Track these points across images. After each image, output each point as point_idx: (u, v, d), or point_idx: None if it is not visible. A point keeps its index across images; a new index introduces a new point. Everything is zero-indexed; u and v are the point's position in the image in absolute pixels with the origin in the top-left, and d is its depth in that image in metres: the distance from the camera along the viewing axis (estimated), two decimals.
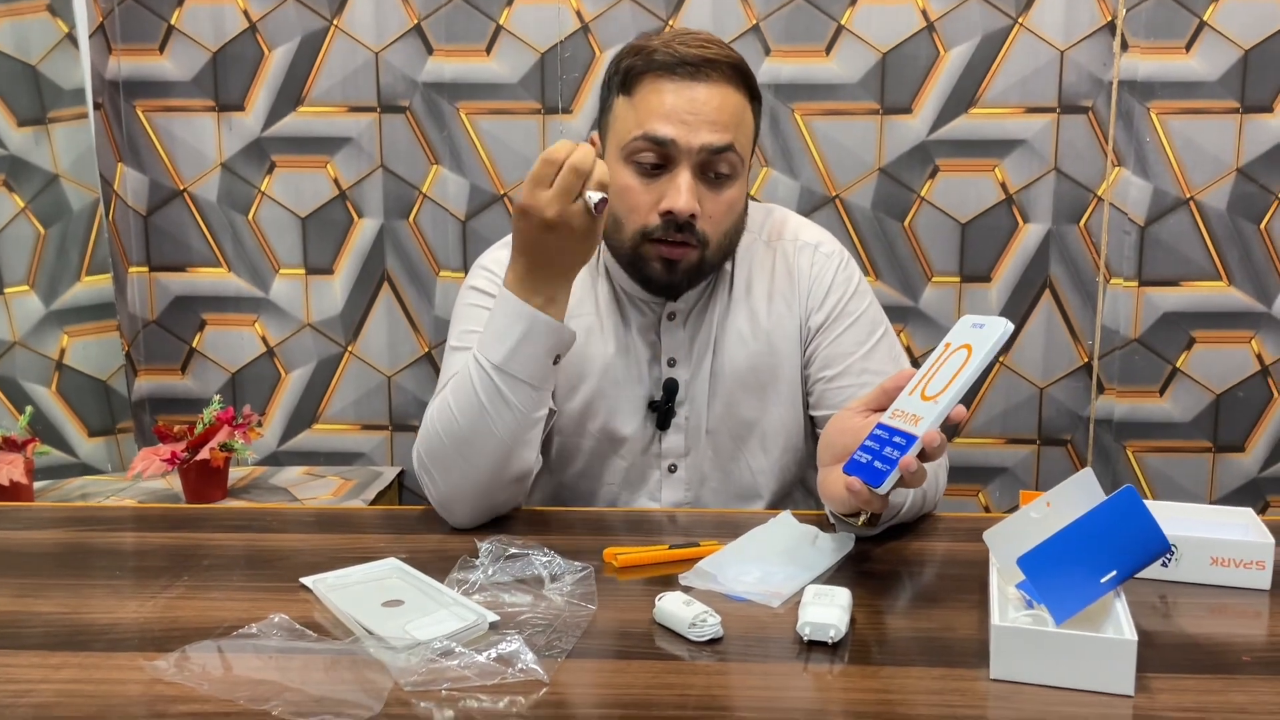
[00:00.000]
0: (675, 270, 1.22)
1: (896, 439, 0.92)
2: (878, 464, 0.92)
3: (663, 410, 1.30)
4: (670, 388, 1.30)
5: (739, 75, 1.21)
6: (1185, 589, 0.99)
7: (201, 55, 2.09)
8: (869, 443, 0.94)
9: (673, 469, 1.32)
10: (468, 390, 1.12)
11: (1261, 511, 1.99)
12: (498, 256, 1.32)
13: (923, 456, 0.91)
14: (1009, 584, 0.89)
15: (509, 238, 1.33)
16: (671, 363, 1.31)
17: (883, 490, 0.90)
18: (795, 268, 1.33)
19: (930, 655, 0.84)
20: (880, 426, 0.95)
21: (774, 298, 1.32)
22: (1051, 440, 2.12)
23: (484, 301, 1.28)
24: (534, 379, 1.12)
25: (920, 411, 0.92)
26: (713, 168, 1.20)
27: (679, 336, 1.31)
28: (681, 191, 1.18)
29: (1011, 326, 0.94)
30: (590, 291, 1.31)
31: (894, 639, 0.88)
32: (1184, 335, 2.06)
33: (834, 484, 1.00)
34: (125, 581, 1.00)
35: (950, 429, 0.93)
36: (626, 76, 1.22)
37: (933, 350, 0.99)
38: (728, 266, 1.32)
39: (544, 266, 1.10)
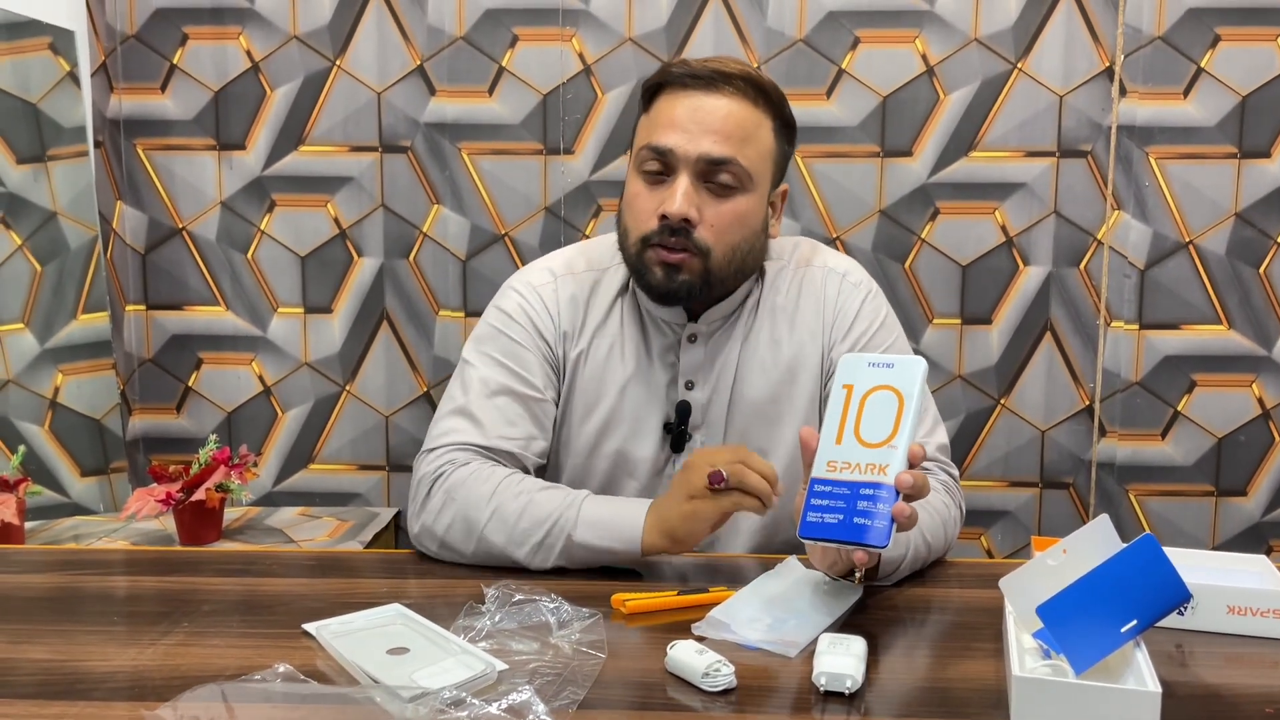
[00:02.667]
0: (675, 277, 1.20)
1: (865, 491, 0.91)
2: (859, 520, 0.90)
3: (676, 433, 1.28)
4: (683, 410, 1.28)
5: (756, 91, 1.21)
6: (1201, 638, 0.97)
7: (203, 95, 2.09)
8: (819, 501, 0.93)
9: None
10: (534, 518, 1.13)
11: (1265, 556, 1.98)
12: (533, 282, 1.32)
13: (918, 494, 0.92)
14: (1025, 632, 0.88)
15: (547, 260, 1.36)
16: (689, 385, 1.29)
17: (889, 547, 0.91)
18: (822, 294, 1.31)
19: (948, 706, 0.82)
20: (821, 482, 0.94)
21: (797, 325, 1.30)
22: (1053, 483, 2.11)
23: (505, 326, 1.29)
24: (579, 565, 1.14)
25: (875, 459, 0.92)
26: (714, 177, 1.19)
27: (698, 358, 1.29)
28: (676, 195, 1.18)
29: (926, 363, 0.95)
30: (617, 309, 1.31)
31: (910, 689, 0.86)
32: (1185, 379, 2.05)
33: (823, 552, 1.02)
34: (122, 627, 0.98)
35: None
36: (646, 94, 1.25)
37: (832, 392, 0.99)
38: (755, 291, 1.31)
39: (674, 523, 1.12)
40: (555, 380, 1.29)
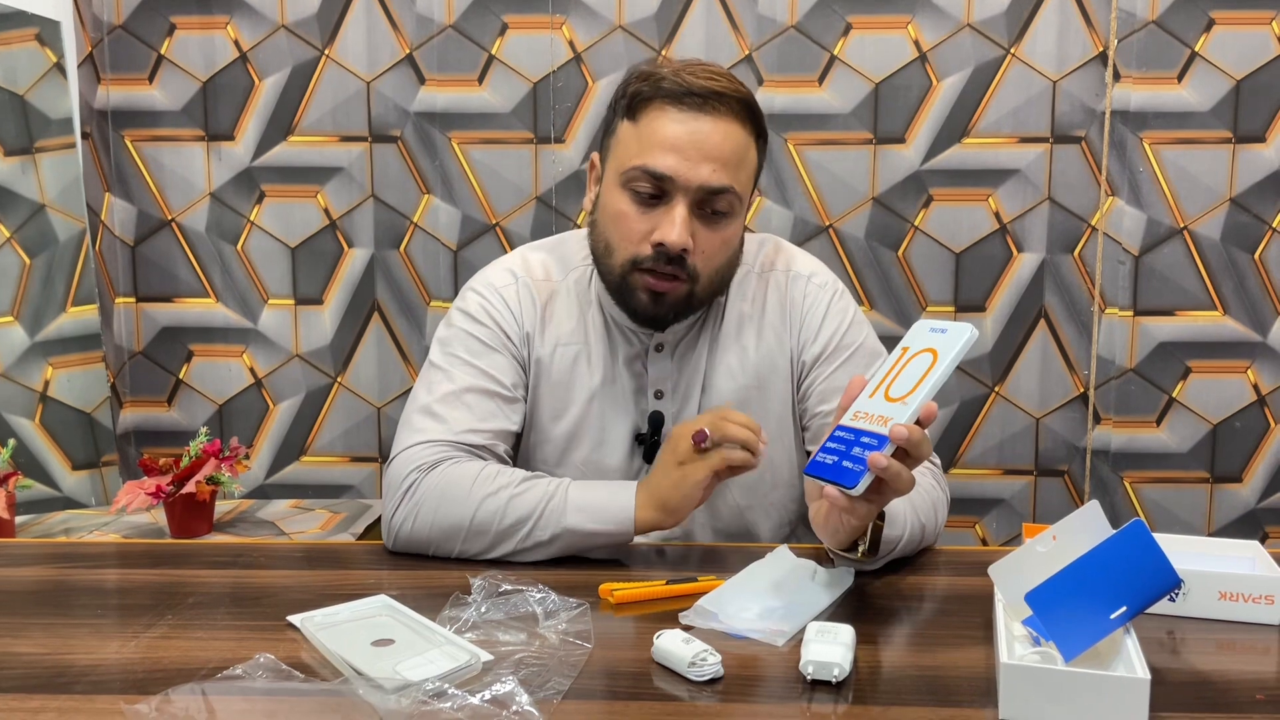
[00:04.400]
0: (662, 303, 1.19)
1: (865, 439, 0.91)
2: (847, 464, 0.90)
3: (648, 444, 1.27)
4: (656, 421, 1.26)
5: (746, 111, 1.18)
6: (1193, 624, 0.97)
7: (191, 85, 2.08)
8: (830, 444, 0.93)
9: None
10: (518, 513, 1.12)
11: (1260, 543, 1.98)
12: (494, 283, 1.30)
13: (905, 458, 0.90)
14: (1015, 620, 0.87)
15: (506, 259, 1.33)
16: (659, 395, 1.27)
17: (857, 491, 0.89)
18: (787, 299, 1.30)
19: (937, 694, 0.81)
20: (841, 428, 0.94)
21: (764, 331, 1.29)
22: (1048, 471, 2.11)
23: (470, 327, 1.26)
24: (565, 553, 1.13)
25: (888, 412, 0.91)
26: (710, 205, 1.17)
27: (666, 368, 1.27)
28: (676, 225, 1.14)
29: (976, 333, 0.94)
30: (580, 318, 1.28)
31: (899, 678, 0.86)
32: (1180, 365, 2.05)
33: (820, 512, 1.01)
34: (108, 620, 0.97)
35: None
36: (633, 101, 1.19)
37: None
38: (720, 298, 1.29)
39: (666, 492, 1.12)
40: (524, 378, 1.27)
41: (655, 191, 1.16)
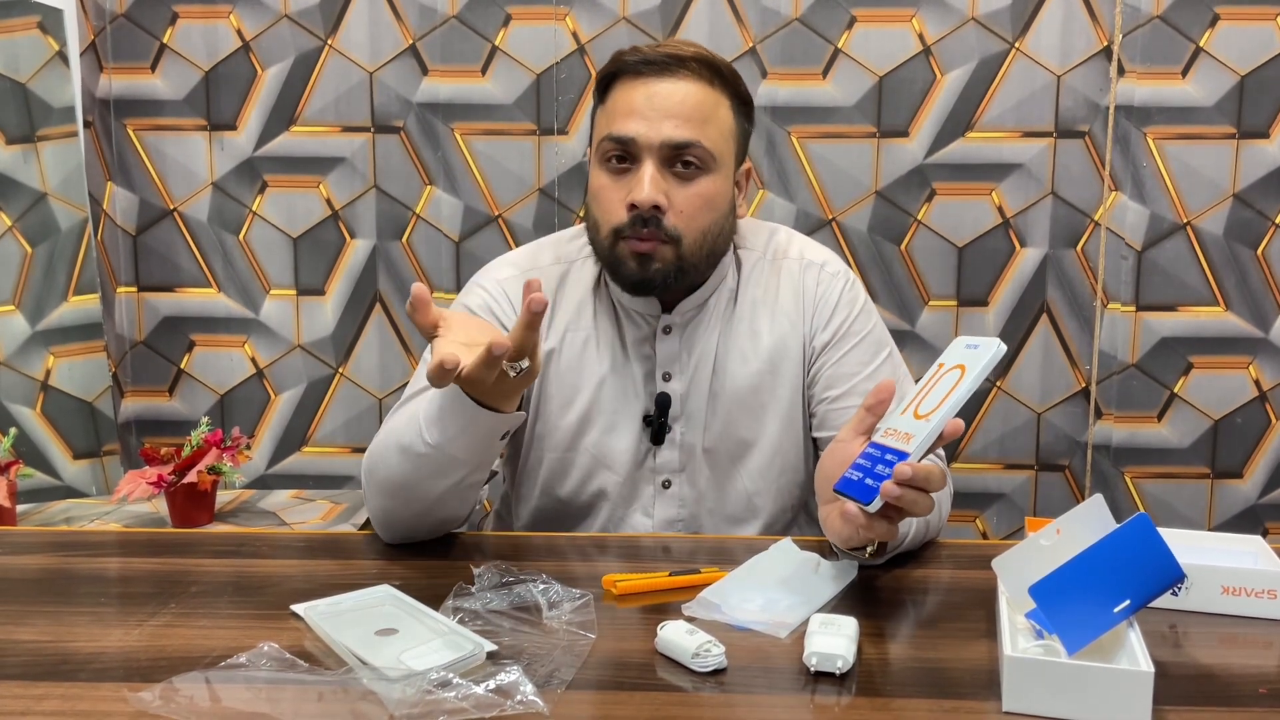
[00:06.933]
0: (649, 267, 1.19)
1: (889, 456, 0.91)
2: (869, 481, 0.91)
3: (656, 425, 1.27)
4: (663, 401, 1.27)
5: (711, 71, 1.20)
6: (1195, 618, 0.97)
7: (194, 74, 2.07)
8: (861, 460, 0.94)
9: (666, 485, 1.29)
10: (409, 448, 1.07)
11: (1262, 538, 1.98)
12: (497, 277, 1.31)
13: (919, 485, 0.90)
14: (1018, 613, 0.87)
15: (512, 254, 1.35)
16: (666, 376, 1.28)
17: (872, 508, 0.89)
18: (801, 286, 1.31)
19: (940, 687, 0.82)
20: (872, 444, 0.95)
21: (777, 316, 1.30)
22: (1049, 466, 2.11)
23: None
24: (474, 458, 1.07)
25: (913, 429, 0.92)
26: (679, 162, 1.18)
27: (674, 349, 1.28)
28: (644, 183, 1.16)
29: (1004, 347, 0.94)
30: (589, 304, 1.30)
31: (902, 670, 0.86)
32: (1182, 360, 2.05)
33: (834, 519, 1.00)
34: (110, 609, 0.97)
35: (951, 446, 0.92)
36: (602, 86, 1.24)
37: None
38: (730, 282, 1.30)
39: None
40: None
41: (624, 155, 1.19)
